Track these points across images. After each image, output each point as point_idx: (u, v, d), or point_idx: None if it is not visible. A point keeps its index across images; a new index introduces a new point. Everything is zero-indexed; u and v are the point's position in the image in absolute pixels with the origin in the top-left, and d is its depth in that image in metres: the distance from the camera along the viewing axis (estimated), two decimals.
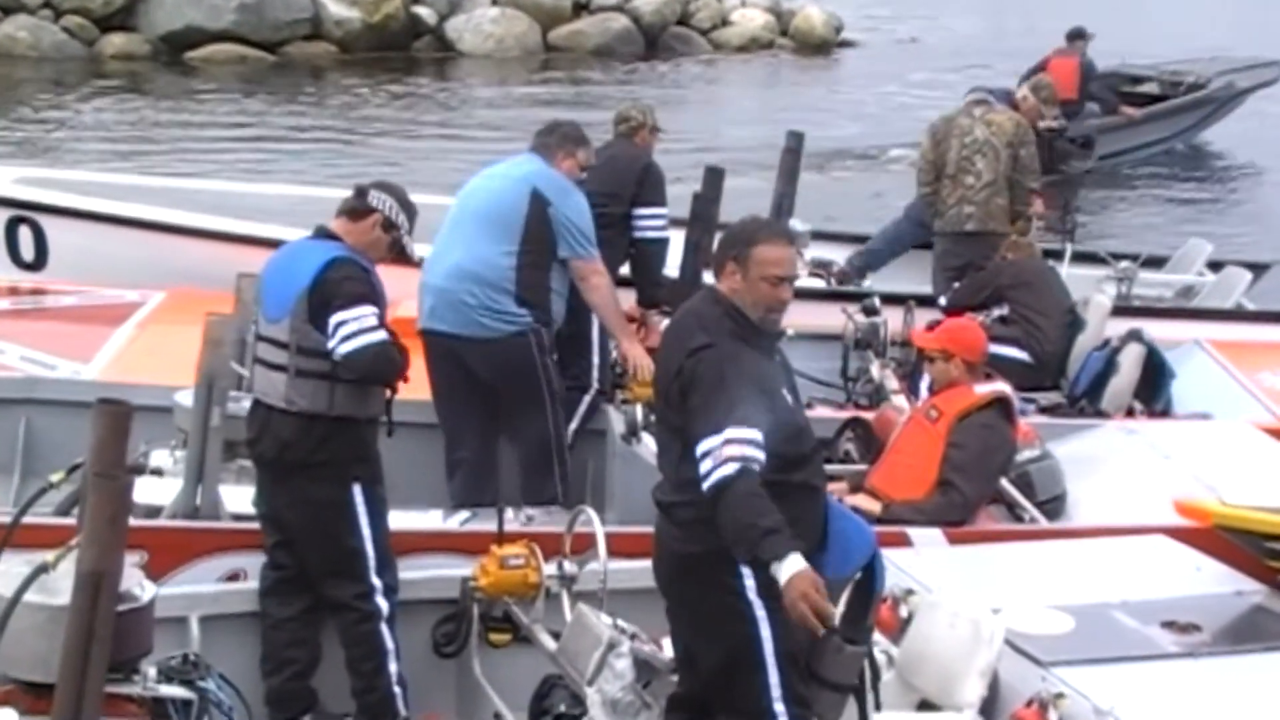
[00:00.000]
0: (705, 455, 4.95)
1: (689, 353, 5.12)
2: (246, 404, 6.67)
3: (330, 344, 5.97)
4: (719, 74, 27.22)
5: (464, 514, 7.44)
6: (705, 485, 4.95)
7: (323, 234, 6.21)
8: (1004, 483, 7.41)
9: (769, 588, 5.09)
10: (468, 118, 22.34)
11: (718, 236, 5.59)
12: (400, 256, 6.27)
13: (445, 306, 7.52)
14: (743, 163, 15.97)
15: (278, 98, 22.97)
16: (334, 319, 5.96)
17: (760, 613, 5.14)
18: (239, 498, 6.67)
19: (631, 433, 7.42)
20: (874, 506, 7.02)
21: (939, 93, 21.99)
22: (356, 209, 6.20)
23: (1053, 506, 7.53)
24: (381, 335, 6.03)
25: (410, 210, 6.30)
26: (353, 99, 23.23)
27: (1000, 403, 7.22)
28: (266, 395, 6.14)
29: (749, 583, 5.13)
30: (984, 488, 7.08)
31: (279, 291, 6.13)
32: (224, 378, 6.60)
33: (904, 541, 6.64)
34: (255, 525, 6.37)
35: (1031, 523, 7.36)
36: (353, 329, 5.96)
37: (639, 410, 7.40)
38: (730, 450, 4.92)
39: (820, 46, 29.69)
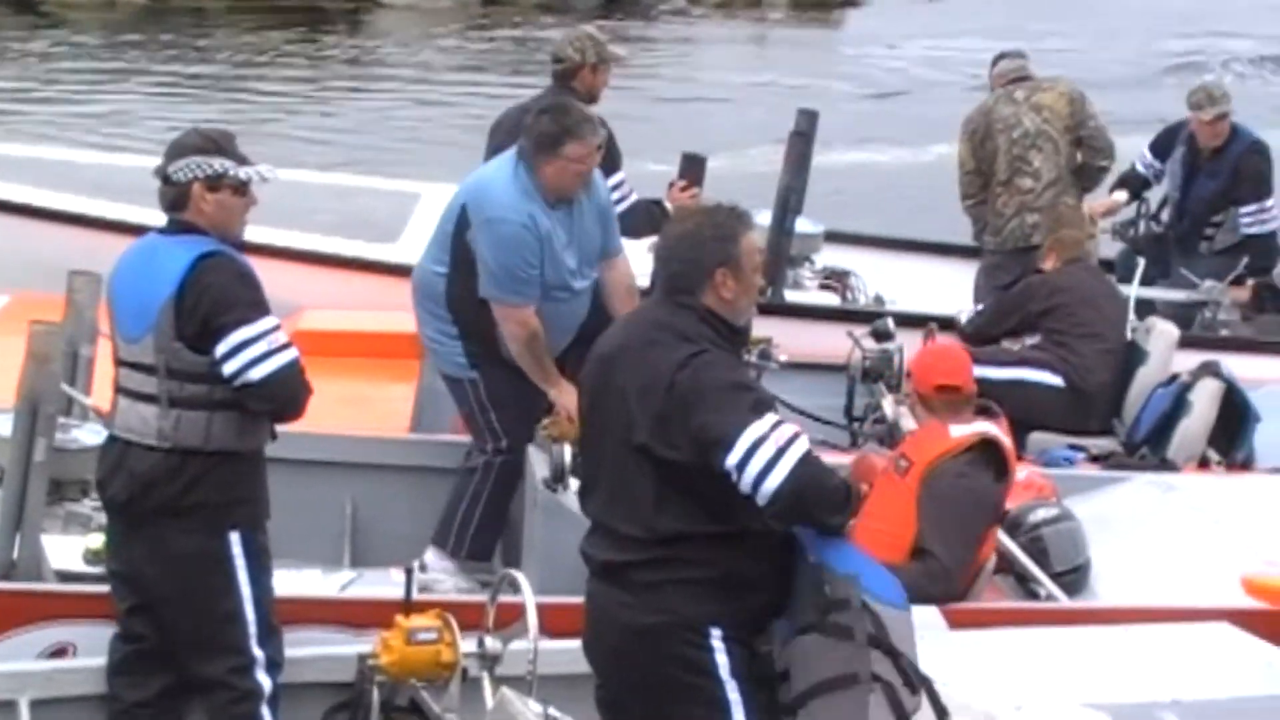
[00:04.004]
0: (757, 444, 5.12)
1: (678, 365, 5.21)
2: (78, 434, 6.60)
3: (230, 367, 5.92)
4: (696, 35, 27.27)
5: (348, 574, 7.47)
6: (774, 481, 5.12)
7: (176, 226, 6.12)
8: (1014, 548, 7.41)
9: (745, 664, 5.20)
10: (386, 82, 22.36)
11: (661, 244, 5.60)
12: (242, 190, 6.12)
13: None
14: (727, 145, 16.01)
15: (152, 52, 22.93)
16: (236, 335, 5.92)
17: (734, 696, 5.22)
18: (66, 551, 6.61)
19: (557, 478, 7.41)
20: None
21: (967, 57, 22.04)
22: (175, 198, 6.10)
23: (1072, 579, 7.50)
24: (295, 353, 6.02)
25: (216, 144, 6.15)
26: (245, 56, 23.22)
27: (983, 446, 7.15)
28: (130, 430, 6.06)
29: (721, 659, 5.21)
30: (967, 552, 7.07)
31: (136, 303, 6.06)
32: (51, 401, 6.51)
33: None
34: (87, 588, 6.34)
35: (1048, 599, 7.35)
36: (264, 349, 5.93)
37: (567, 452, 7.39)
38: (788, 429, 5.17)
39: (819, 4, 29.77)
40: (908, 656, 5.24)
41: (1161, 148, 11.63)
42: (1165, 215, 11.52)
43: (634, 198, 8.76)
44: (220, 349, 5.92)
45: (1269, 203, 11.29)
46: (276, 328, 6.00)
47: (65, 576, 6.57)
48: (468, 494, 7.72)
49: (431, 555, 7.67)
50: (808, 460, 5.19)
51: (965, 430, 7.15)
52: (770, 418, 5.19)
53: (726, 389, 5.21)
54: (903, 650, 5.23)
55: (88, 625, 6.30)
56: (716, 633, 5.24)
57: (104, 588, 6.32)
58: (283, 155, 12.78)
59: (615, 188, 8.51)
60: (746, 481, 5.15)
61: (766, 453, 5.13)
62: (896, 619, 5.25)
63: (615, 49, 9.35)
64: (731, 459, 5.15)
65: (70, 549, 6.64)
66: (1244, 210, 11.23)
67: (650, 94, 20.41)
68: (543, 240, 7.51)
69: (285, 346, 5.99)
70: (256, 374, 5.93)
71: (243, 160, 6.13)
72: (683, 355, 5.24)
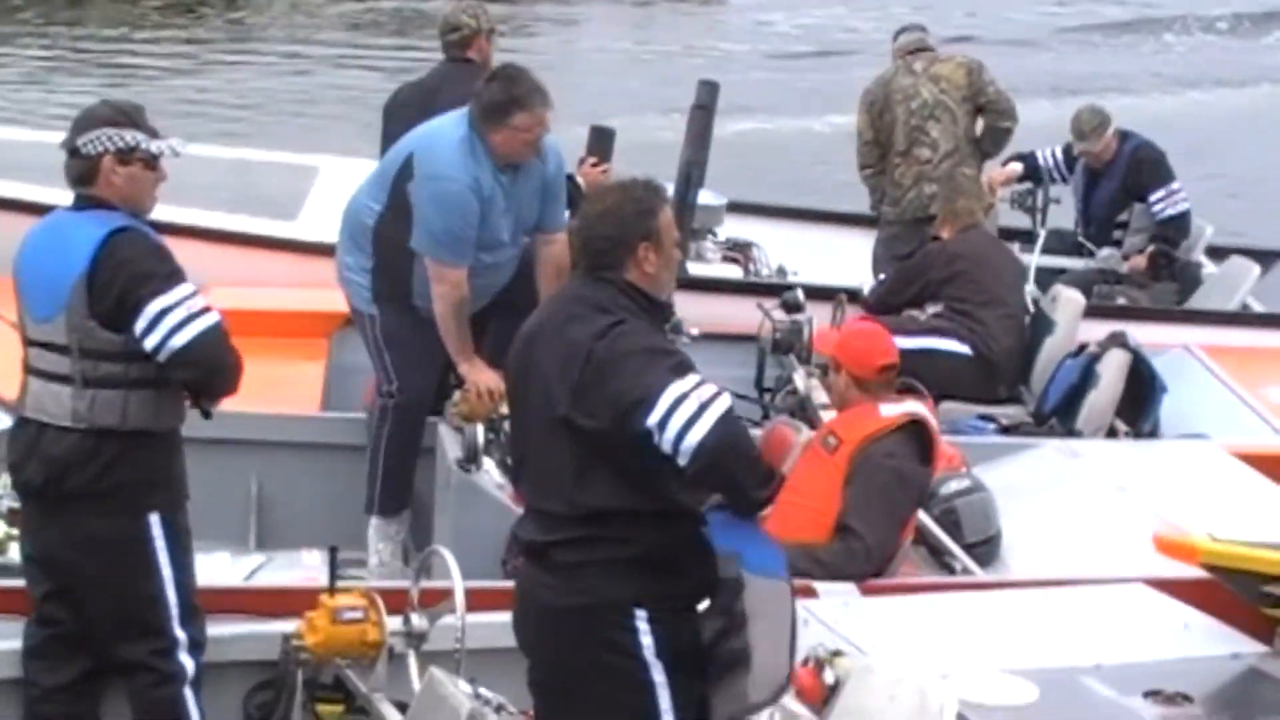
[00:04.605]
0: (680, 400, 5.16)
1: (596, 335, 5.27)
2: None
3: (152, 340, 5.91)
4: (577, 8, 27.23)
5: (258, 557, 7.48)
6: (696, 435, 5.15)
7: (84, 202, 6.10)
8: (927, 521, 7.50)
9: (670, 644, 5.25)
10: (263, 50, 22.21)
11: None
12: (153, 164, 6.12)
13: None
14: (610, 116, 15.96)
15: (22, 25, 22.67)
16: (153, 306, 5.90)
17: (659, 677, 5.29)
18: None
19: (470, 458, 7.43)
20: None
21: (856, 27, 22.13)
22: (83, 171, 6.07)
23: (984, 550, 7.64)
24: (216, 317, 6.01)
25: (127, 116, 6.12)
26: (119, 26, 22.99)
27: (913, 426, 7.26)
28: (44, 412, 6.04)
29: (646, 640, 5.28)
30: (890, 533, 7.16)
31: (45, 282, 6.03)
32: None
33: (809, 594, 6.69)
34: None
35: (963, 572, 7.45)
36: (183, 315, 5.91)
37: (480, 432, 7.43)
38: (710, 387, 5.21)
39: None
40: (778, 629, 5.22)
41: (1069, 156, 11.82)
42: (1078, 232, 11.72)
43: None
44: (139, 324, 5.91)
45: (1175, 184, 11.45)
46: (194, 294, 5.98)
47: None
48: (373, 446, 7.81)
49: (371, 526, 7.80)
50: (730, 418, 5.25)
51: (895, 410, 7.25)
52: (693, 377, 5.25)
53: (645, 353, 5.27)
54: (770, 621, 5.22)
55: None
56: (641, 614, 5.30)
57: (10, 582, 6.33)
58: (162, 129, 12.66)
59: None
60: (668, 439, 5.19)
61: (689, 408, 5.18)
62: (773, 589, 5.25)
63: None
64: (653, 418, 5.19)
65: None
66: (1153, 197, 11.40)
67: (532, 64, 20.32)
68: (484, 203, 7.56)
69: (205, 310, 5.98)
70: (179, 340, 5.91)
71: (154, 133, 6.11)
72: (601, 326, 5.31)
